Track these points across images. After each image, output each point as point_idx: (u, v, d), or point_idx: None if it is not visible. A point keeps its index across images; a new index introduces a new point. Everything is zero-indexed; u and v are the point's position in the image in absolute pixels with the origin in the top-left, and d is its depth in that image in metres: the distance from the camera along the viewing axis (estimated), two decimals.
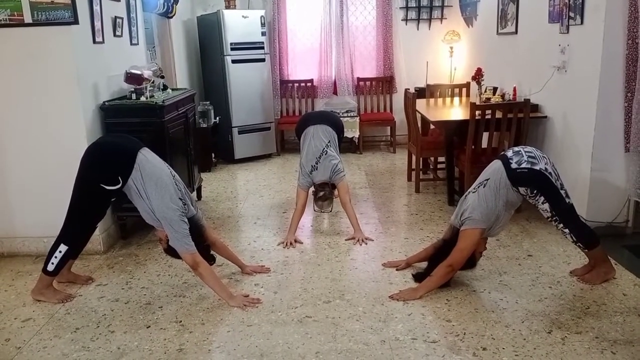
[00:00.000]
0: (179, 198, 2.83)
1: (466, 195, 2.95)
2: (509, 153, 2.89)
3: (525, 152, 2.86)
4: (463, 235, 2.83)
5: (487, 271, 3.16)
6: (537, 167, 2.79)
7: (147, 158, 2.86)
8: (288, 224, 3.92)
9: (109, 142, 3.06)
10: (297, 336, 2.54)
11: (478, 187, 2.88)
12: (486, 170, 2.96)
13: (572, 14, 3.66)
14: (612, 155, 3.48)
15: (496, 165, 2.89)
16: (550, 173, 2.81)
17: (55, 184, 3.51)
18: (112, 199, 2.96)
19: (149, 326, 2.68)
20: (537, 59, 4.29)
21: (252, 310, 2.79)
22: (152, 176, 2.80)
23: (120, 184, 2.81)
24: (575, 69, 3.71)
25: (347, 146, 6.51)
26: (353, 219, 3.77)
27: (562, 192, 2.85)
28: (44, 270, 2.94)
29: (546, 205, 2.85)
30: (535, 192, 2.83)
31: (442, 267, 2.84)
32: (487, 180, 2.86)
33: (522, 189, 2.83)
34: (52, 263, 2.91)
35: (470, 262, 2.92)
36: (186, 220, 2.82)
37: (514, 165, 2.81)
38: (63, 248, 2.91)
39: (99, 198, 2.93)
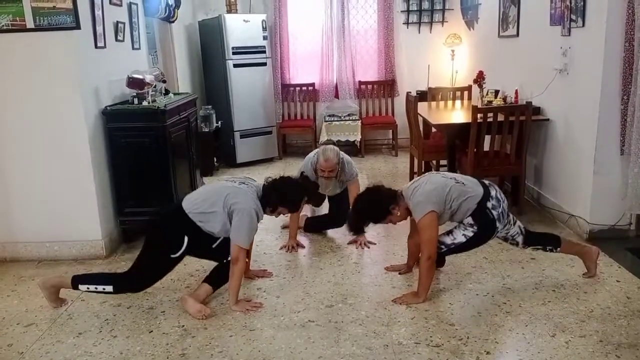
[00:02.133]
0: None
1: (441, 175, 2.97)
2: (495, 193, 2.90)
3: (505, 208, 2.89)
4: (421, 226, 2.81)
5: (490, 274, 3.15)
6: (497, 224, 2.85)
7: (192, 197, 2.95)
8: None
9: (154, 219, 3.08)
10: (299, 341, 2.54)
11: (453, 180, 2.89)
12: (472, 179, 2.97)
13: (573, 17, 3.65)
14: (614, 157, 3.46)
15: (480, 188, 2.89)
16: (494, 236, 2.92)
17: (58, 188, 3.53)
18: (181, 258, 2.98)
19: (152, 331, 2.68)
20: (538, 62, 4.29)
21: (254, 314, 2.79)
22: (212, 199, 2.87)
23: (187, 241, 2.86)
24: (577, 71, 3.70)
25: (349, 149, 6.51)
26: None
27: (476, 246, 2.95)
28: (75, 285, 2.86)
29: (462, 236, 2.88)
30: (473, 227, 2.86)
31: (423, 263, 2.82)
32: (465, 185, 2.87)
33: (471, 219, 2.86)
34: (89, 289, 2.87)
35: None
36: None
37: (489, 204, 2.84)
38: (109, 289, 2.87)
39: (170, 264, 2.95)
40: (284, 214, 3.05)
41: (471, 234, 2.86)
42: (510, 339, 2.49)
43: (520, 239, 3.02)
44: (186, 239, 2.88)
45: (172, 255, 2.89)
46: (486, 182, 2.97)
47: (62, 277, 2.97)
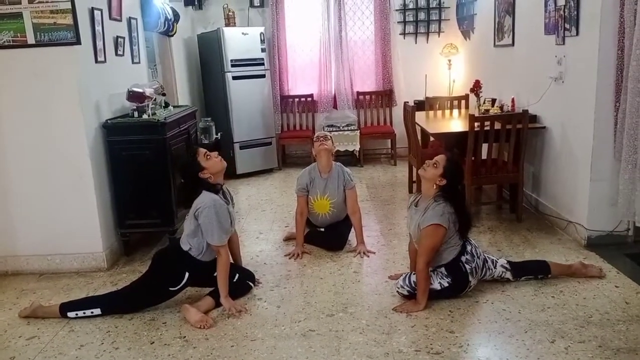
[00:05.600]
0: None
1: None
2: (471, 248, 2.97)
3: (479, 264, 2.98)
4: (425, 233, 2.87)
5: (490, 282, 3.15)
6: (470, 278, 2.92)
7: (183, 235, 3.06)
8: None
9: (158, 257, 3.16)
10: (300, 350, 2.55)
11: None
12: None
13: (567, 26, 3.70)
14: (610, 164, 3.49)
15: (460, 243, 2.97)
16: (467, 290, 2.96)
17: (59, 201, 3.55)
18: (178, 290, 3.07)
19: (153, 342, 2.69)
20: (534, 70, 4.33)
21: (255, 324, 2.81)
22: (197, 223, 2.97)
23: (187, 277, 2.96)
24: (572, 79, 3.74)
25: (348, 159, 6.55)
26: (359, 230, 3.78)
27: (448, 297, 2.95)
28: (63, 313, 2.95)
29: (438, 284, 2.92)
30: (448, 277, 2.92)
31: (420, 270, 2.84)
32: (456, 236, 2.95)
33: (444, 269, 2.94)
34: (77, 315, 2.95)
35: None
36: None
37: (462, 258, 2.92)
38: (97, 312, 2.96)
39: (167, 296, 3.04)
40: (208, 167, 3.02)
41: (447, 285, 2.92)
42: (510, 345, 2.50)
43: (508, 274, 3.10)
44: (187, 274, 2.97)
45: (171, 288, 2.98)
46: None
47: (50, 307, 3.02)
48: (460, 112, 5.46)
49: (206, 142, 5.80)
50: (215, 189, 3.02)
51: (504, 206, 4.60)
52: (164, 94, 4.29)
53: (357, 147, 6.52)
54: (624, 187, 3.23)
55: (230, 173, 6.17)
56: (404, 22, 6.72)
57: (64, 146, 3.49)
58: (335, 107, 6.87)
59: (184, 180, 3.11)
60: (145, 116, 3.78)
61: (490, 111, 4.54)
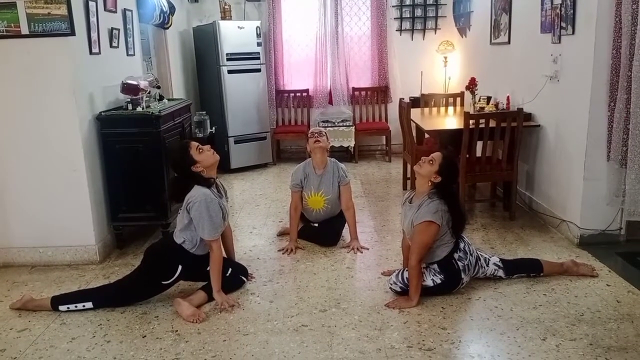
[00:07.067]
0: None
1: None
2: (464, 245, 2.99)
3: (472, 261, 2.99)
4: (418, 230, 2.87)
5: (483, 279, 3.17)
6: (462, 275, 2.94)
7: (176, 228, 3.03)
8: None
9: (151, 250, 3.12)
10: (293, 345, 2.55)
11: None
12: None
13: (563, 24, 3.71)
14: (604, 163, 3.50)
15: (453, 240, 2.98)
16: (460, 287, 2.98)
17: (52, 194, 3.53)
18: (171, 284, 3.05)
19: (145, 336, 2.68)
20: (529, 69, 4.34)
21: (247, 319, 2.81)
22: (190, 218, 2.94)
23: (180, 270, 2.95)
24: (568, 78, 3.75)
25: (342, 155, 6.54)
26: (352, 226, 3.78)
27: (441, 294, 2.96)
28: (54, 306, 2.93)
29: (430, 281, 2.93)
30: (441, 274, 2.93)
31: (413, 267, 2.84)
32: (449, 233, 2.95)
33: (437, 266, 2.95)
34: (69, 308, 2.93)
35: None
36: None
37: (455, 255, 2.94)
38: (89, 305, 2.94)
39: (159, 289, 3.02)
40: (200, 161, 2.98)
41: (439, 282, 2.93)
42: (502, 342, 2.51)
43: (501, 272, 3.12)
44: (180, 267, 2.95)
45: (163, 282, 2.97)
46: None
47: (41, 301, 3.00)
48: (455, 110, 5.46)
49: (200, 135, 5.78)
50: (208, 182, 3.00)
51: (497, 204, 4.62)
52: (158, 87, 4.27)
53: (352, 143, 6.52)
54: (630, 187, 3.24)
55: (225, 167, 6.17)
56: (401, 19, 6.71)
57: (57, 138, 3.47)
58: (330, 102, 6.86)
59: (177, 174, 3.09)
60: (139, 109, 3.76)
61: (485, 109, 4.54)
